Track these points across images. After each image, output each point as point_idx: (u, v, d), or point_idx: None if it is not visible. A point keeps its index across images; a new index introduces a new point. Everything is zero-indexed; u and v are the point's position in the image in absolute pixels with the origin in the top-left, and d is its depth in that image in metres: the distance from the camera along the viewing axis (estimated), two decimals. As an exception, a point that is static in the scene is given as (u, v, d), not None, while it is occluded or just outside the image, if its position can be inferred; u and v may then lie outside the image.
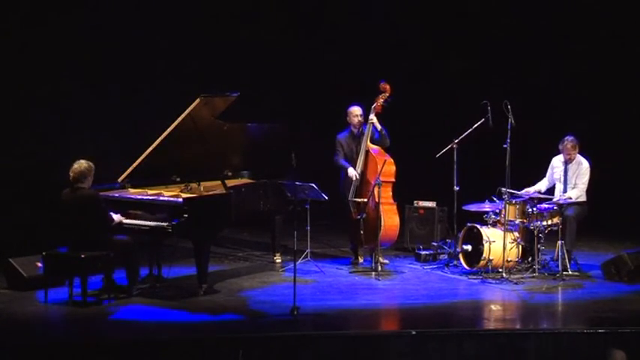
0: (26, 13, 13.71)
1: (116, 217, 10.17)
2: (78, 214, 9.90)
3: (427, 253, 12.21)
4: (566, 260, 11.27)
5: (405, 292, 10.74)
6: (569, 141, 11.67)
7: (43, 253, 10.10)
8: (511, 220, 11.30)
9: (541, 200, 11.57)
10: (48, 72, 13.62)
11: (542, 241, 11.34)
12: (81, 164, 9.98)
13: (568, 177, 11.72)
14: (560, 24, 14.85)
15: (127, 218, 10.30)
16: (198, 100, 10.57)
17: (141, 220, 10.31)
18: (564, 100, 14.89)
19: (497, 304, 10.48)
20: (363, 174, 11.74)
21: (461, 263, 11.54)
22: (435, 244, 12.47)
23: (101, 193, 10.19)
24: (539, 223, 11.26)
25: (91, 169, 10.01)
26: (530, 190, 11.73)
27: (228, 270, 11.60)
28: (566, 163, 11.72)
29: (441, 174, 12.38)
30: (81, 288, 9.85)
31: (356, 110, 11.93)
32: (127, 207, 10.38)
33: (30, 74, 13.55)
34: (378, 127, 11.75)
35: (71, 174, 9.96)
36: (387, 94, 11.80)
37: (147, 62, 14.03)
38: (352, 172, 11.74)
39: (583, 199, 11.67)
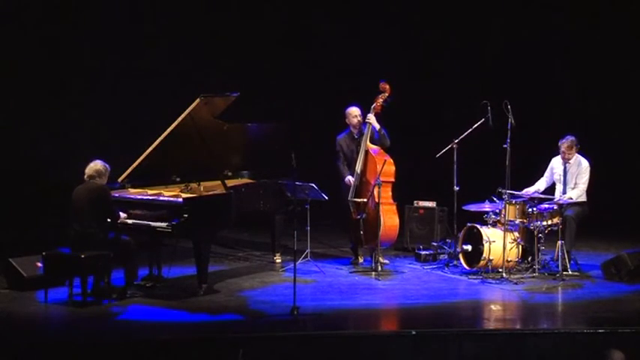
0: (26, 13, 13.72)
1: (121, 215, 10.22)
2: (85, 204, 9.93)
3: (427, 253, 12.21)
4: (566, 260, 11.27)
5: (405, 292, 10.73)
6: (567, 140, 11.67)
7: (43, 253, 10.11)
8: (511, 220, 11.29)
9: (541, 200, 11.58)
10: (47, 71, 13.62)
11: (542, 241, 11.34)
12: (97, 164, 10.10)
13: (568, 177, 11.72)
14: (560, 23, 14.87)
15: (127, 218, 10.32)
16: (198, 100, 10.57)
17: (141, 220, 10.32)
18: (564, 100, 14.90)
19: (497, 304, 10.48)
20: (362, 174, 11.74)
21: (461, 263, 11.54)
22: (435, 244, 12.46)
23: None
24: (539, 223, 11.26)
25: (106, 170, 10.12)
26: (530, 190, 11.74)
27: (228, 270, 11.60)
28: (566, 162, 11.73)
29: (441, 174, 12.38)
30: (81, 288, 9.86)
31: (354, 111, 11.92)
32: (127, 207, 10.39)
33: (29, 73, 13.56)
34: (377, 127, 11.74)
35: (86, 171, 10.04)
36: (387, 94, 11.79)
37: (147, 62, 14.03)
38: (349, 180, 11.75)
39: (583, 199, 11.68)
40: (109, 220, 10.06)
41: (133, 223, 10.29)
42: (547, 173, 11.91)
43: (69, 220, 10.04)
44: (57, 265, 10.04)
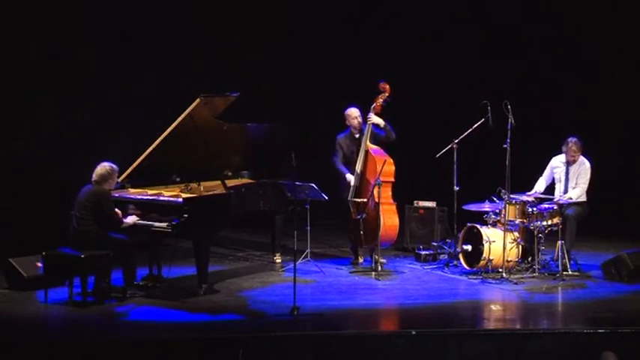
0: (25, 12, 13.72)
1: (130, 218, 10.22)
2: (85, 205, 9.97)
3: (427, 253, 12.20)
4: (566, 260, 11.27)
5: (405, 292, 10.73)
6: (573, 142, 11.64)
7: (43, 253, 10.11)
8: (511, 220, 11.29)
9: (541, 200, 11.57)
10: (46, 71, 13.61)
11: (542, 241, 11.34)
12: (103, 167, 10.15)
13: (569, 177, 11.71)
14: (560, 23, 14.88)
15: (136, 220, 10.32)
16: (198, 100, 10.57)
17: (141, 220, 10.31)
18: (564, 100, 14.90)
19: (497, 304, 10.48)
20: (362, 174, 11.73)
21: (461, 263, 11.53)
22: (435, 244, 12.46)
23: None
24: (539, 223, 11.26)
25: (113, 171, 10.18)
26: (531, 193, 11.70)
27: (228, 270, 11.60)
28: (569, 163, 11.72)
29: (441, 174, 12.38)
30: (81, 288, 9.86)
31: (354, 112, 11.91)
32: (127, 207, 10.39)
33: (28, 73, 13.55)
34: (382, 123, 11.72)
35: (93, 176, 10.11)
36: (387, 94, 11.79)
37: (147, 62, 14.03)
38: (350, 178, 11.74)
39: (583, 199, 11.67)
40: (107, 223, 10.06)
41: (134, 224, 10.30)
42: (546, 172, 11.90)
43: (69, 219, 10.06)
44: (57, 265, 10.04)
